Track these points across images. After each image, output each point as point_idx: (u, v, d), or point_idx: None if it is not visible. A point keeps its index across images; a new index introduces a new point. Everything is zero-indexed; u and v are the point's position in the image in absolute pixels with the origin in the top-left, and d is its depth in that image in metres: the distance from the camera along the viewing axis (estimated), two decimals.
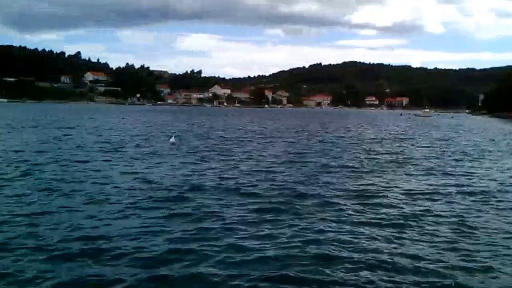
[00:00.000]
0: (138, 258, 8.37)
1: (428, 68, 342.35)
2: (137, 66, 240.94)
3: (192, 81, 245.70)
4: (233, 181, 16.50)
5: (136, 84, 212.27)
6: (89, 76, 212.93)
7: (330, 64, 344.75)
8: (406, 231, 10.50)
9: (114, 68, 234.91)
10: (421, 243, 9.64)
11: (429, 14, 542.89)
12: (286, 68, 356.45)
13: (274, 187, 15.54)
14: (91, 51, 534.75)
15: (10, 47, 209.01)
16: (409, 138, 43.37)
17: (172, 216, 11.38)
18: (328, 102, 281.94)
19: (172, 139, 32.24)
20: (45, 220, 10.72)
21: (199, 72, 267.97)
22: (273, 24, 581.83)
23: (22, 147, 25.92)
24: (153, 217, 11.25)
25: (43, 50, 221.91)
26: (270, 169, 20.04)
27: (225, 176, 17.74)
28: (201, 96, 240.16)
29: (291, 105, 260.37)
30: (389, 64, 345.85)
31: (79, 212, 11.57)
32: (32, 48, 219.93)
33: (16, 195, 13.19)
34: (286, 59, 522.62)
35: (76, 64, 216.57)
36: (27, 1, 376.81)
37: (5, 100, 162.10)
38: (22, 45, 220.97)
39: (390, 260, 8.47)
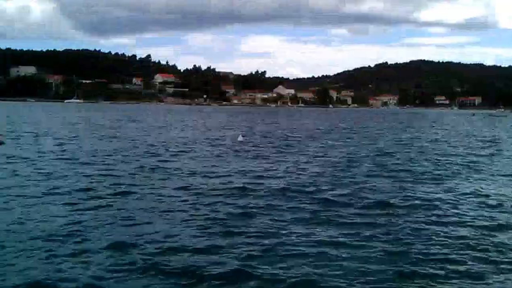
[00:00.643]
0: None
1: (502, 66, 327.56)
2: (204, 67, 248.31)
3: (256, 82, 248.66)
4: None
5: (202, 85, 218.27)
6: (158, 78, 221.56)
7: (396, 63, 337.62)
8: None
9: (182, 70, 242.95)
10: None
11: (503, 10, 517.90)
12: (351, 68, 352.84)
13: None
14: (161, 54, 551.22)
15: (85, 51, 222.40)
16: None
17: None
18: (395, 102, 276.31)
19: (240, 138, 32.23)
20: None
21: (264, 72, 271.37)
22: (338, 23, 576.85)
23: None
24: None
25: (116, 53, 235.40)
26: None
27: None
28: (266, 96, 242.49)
29: (356, 105, 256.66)
30: (459, 62, 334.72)
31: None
32: (106, 51, 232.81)
33: None
34: (351, 59, 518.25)
35: (146, 67, 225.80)
36: (102, 8, 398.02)
37: (81, 101, 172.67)
38: (97, 49, 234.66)
39: None
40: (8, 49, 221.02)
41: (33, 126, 44.31)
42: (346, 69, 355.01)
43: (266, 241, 9.44)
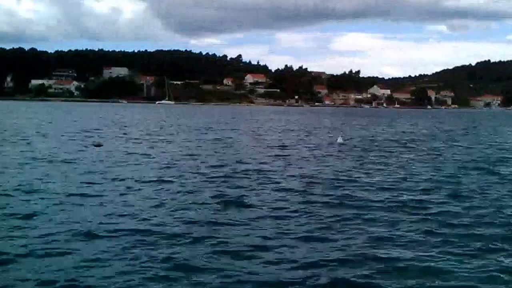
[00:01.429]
0: None
1: None
2: (295, 67, 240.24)
3: (350, 82, 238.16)
4: None
5: (294, 85, 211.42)
6: (249, 79, 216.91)
7: (500, 61, 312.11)
8: None
9: (273, 70, 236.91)
10: None
11: None
12: (450, 66, 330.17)
13: None
14: (252, 54, 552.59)
15: (177, 52, 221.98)
16: None
17: None
18: (499, 102, 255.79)
19: (340, 139, 31.57)
20: None
21: (357, 72, 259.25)
22: (436, 20, 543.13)
23: None
24: None
25: (207, 54, 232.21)
26: None
27: None
28: (359, 97, 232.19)
29: (456, 106, 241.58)
30: None
31: None
32: (196, 52, 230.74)
33: None
34: (450, 57, 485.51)
35: (237, 67, 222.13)
36: (193, 8, 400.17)
37: (172, 102, 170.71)
38: (188, 50, 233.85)
39: None
40: (101, 50, 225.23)
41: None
42: (445, 68, 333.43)
43: None
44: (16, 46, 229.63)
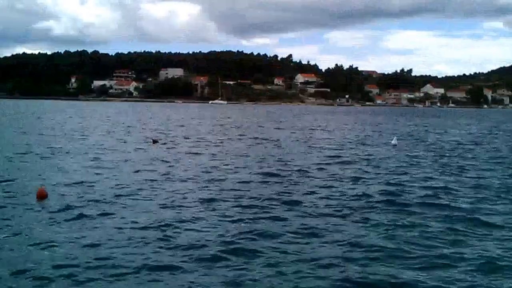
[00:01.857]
0: None
1: None
2: (345, 66, 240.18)
3: (401, 81, 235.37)
4: None
5: (344, 84, 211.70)
6: (300, 78, 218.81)
7: None
8: None
9: (323, 70, 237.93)
10: None
11: None
12: (507, 64, 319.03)
13: None
14: (302, 53, 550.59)
15: (229, 52, 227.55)
16: None
17: None
18: None
19: (394, 141, 30.76)
20: None
21: (410, 71, 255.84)
22: (492, 16, 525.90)
23: None
24: None
25: (258, 54, 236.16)
26: None
27: None
28: (412, 96, 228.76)
29: None
30: None
31: None
32: (248, 52, 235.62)
33: None
34: (507, 54, 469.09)
35: (288, 67, 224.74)
36: (245, 9, 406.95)
37: (225, 102, 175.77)
38: (240, 50, 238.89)
39: None
40: (158, 52, 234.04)
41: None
42: (502, 66, 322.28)
43: None
44: (80, 49, 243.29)
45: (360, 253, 9.09)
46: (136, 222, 10.85)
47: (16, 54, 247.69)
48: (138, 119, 61.13)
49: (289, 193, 14.44)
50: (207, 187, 15.18)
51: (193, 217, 11.41)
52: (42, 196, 13.16)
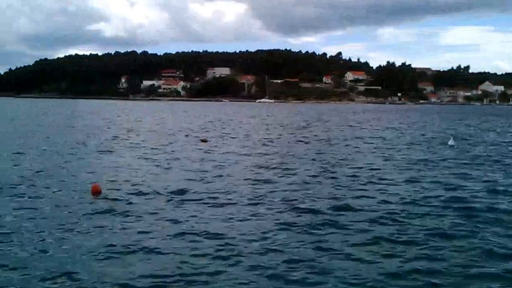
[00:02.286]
0: None
1: None
2: (397, 64, 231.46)
3: (458, 78, 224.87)
4: None
5: (396, 82, 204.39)
6: (349, 76, 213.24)
7: None
8: None
9: (374, 67, 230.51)
10: None
11: None
12: None
13: None
14: (352, 51, 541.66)
15: (276, 51, 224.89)
16: None
17: None
18: None
19: (451, 141, 29.53)
20: None
21: (466, 68, 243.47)
22: None
23: None
24: None
25: (306, 52, 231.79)
26: None
27: None
28: (469, 94, 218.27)
29: None
30: None
31: None
32: (296, 51, 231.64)
33: None
34: None
35: (337, 65, 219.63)
36: (292, 6, 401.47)
37: (272, 100, 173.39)
38: (287, 49, 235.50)
39: None
40: (205, 52, 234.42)
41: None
42: None
43: None
44: (129, 50, 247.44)
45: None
46: (188, 221, 10.78)
47: (69, 55, 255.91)
48: (186, 118, 61.44)
49: (343, 195, 13.75)
50: (257, 187, 14.84)
51: (247, 218, 11.21)
52: (96, 192, 13.31)
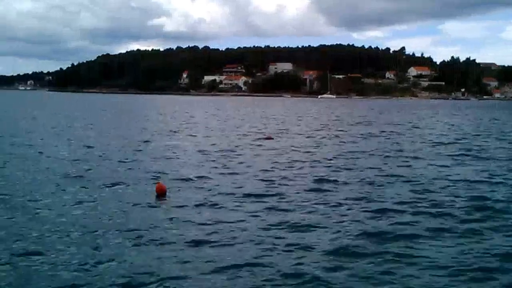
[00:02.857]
0: None
1: None
2: (462, 59, 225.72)
3: None
4: None
5: (460, 78, 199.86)
6: (412, 71, 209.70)
7: None
8: None
9: (438, 62, 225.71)
10: None
11: None
12: None
13: None
14: (415, 46, 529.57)
15: (339, 46, 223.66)
16: None
17: None
18: None
19: None
20: None
21: None
22: None
23: None
24: None
25: (369, 47, 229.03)
26: None
27: None
28: None
29: None
30: None
31: None
32: (359, 46, 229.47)
33: None
34: None
35: (400, 60, 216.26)
36: (355, 1, 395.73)
37: (334, 96, 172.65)
38: (350, 44, 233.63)
39: None
40: (267, 47, 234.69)
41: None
42: None
43: None
44: (191, 45, 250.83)
45: None
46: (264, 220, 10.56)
47: (131, 51, 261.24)
48: (248, 114, 61.24)
49: (417, 195, 13.23)
50: (327, 187, 14.30)
51: (319, 219, 10.73)
52: (161, 191, 13.05)
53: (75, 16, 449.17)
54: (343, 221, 10.63)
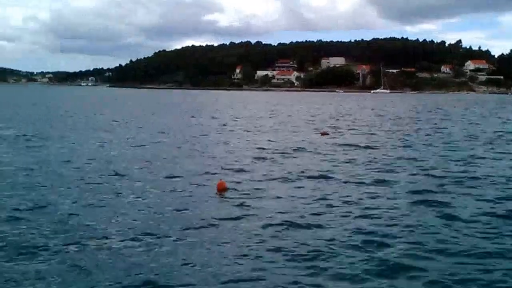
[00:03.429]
0: None
1: None
2: None
3: None
4: None
5: None
6: (469, 65, 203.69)
7: None
8: None
9: (496, 56, 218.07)
10: None
11: None
12: None
13: None
14: (472, 38, 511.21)
15: (393, 39, 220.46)
16: None
17: None
18: None
19: None
20: None
21: None
22: None
23: None
24: None
25: (424, 40, 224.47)
26: None
27: None
28: None
29: None
30: None
31: None
32: (413, 39, 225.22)
33: None
34: None
35: (456, 53, 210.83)
36: None
37: (388, 91, 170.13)
38: (404, 37, 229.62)
39: None
40: (319, 41, 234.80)
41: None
42: None
43: None
44: (243, 40, 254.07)
45: None
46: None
47: (186, 47, 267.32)
48: (303, 110, 61.39)
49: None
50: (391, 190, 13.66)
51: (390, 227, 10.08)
52: (222, 189, 13.09)
53: (132, 13, 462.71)
54: None
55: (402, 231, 9.79)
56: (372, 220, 10.54)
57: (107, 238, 9.11)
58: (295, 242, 9.00)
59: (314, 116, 48.05)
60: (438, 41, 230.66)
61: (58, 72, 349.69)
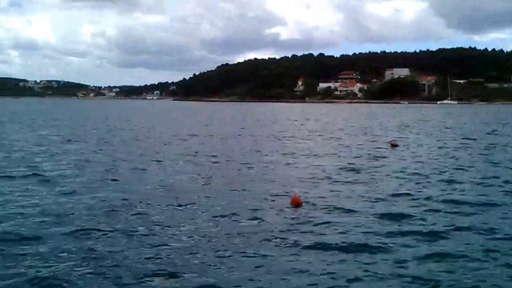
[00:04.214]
0: None
1: None
2: None
3: None
4: None
5: None
6: None
7: None
8: None
9: None
10: None
11: None
12: None
13: None
14: None
15: (460, 49, 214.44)
16: None
17: None
18: None
19: None
20: None
21: None
22: None
23: None
24: None
25: (493, 49, 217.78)
26: None
27: None
28: None
29: None
30: None
31: None
32: (481, 48, 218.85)
33: None
34: None
35: None
36: (476, 2, 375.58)
37: (455, 102, 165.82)
38: (472, 47, 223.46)
39: None
40: (383, 52, 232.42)
41: None
42: None
43: None
44: (306, 52, 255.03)
45: None
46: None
47: (248, 60, 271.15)
48: (372, 120, 61.89)
49: None
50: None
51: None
52: (297, 203, 13.12)
53: (195, 27, 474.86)
54: None
55: None
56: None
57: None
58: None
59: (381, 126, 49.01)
60: (508, 50, 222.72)
61: (125, 86, 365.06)
